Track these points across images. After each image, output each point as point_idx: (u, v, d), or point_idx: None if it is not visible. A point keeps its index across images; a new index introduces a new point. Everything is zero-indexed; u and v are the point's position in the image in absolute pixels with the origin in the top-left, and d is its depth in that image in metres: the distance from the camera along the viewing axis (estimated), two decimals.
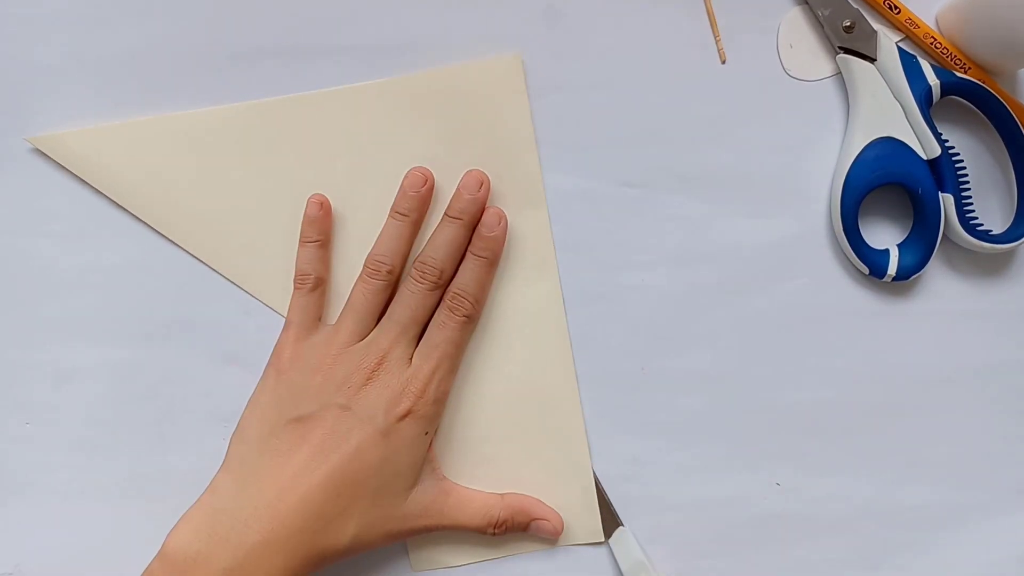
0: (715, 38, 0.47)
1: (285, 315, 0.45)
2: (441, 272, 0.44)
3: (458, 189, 0.45)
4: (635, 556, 0.46)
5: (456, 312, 0.44)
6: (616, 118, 0.47)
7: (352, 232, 0.46)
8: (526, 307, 0.46)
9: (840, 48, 0.46)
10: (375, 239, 0.45)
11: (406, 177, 0.45)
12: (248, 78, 0.46)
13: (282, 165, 0.46)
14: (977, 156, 0.48)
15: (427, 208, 0.45)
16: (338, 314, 0.45)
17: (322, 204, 0.45)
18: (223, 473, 0.42)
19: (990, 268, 0.48)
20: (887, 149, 0.46)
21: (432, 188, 0.45)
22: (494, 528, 0.44)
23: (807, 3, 0.47)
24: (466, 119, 0.46)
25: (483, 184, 0.45)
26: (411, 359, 0.44)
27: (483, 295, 0.45)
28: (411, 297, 0.44)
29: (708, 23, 0.47)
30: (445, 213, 0.45)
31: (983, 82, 0.46)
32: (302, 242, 0.45)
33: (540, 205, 0.46)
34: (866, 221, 0.47)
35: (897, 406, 0.47)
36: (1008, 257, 0.48)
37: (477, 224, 0.45)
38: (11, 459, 0.46)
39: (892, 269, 0.46)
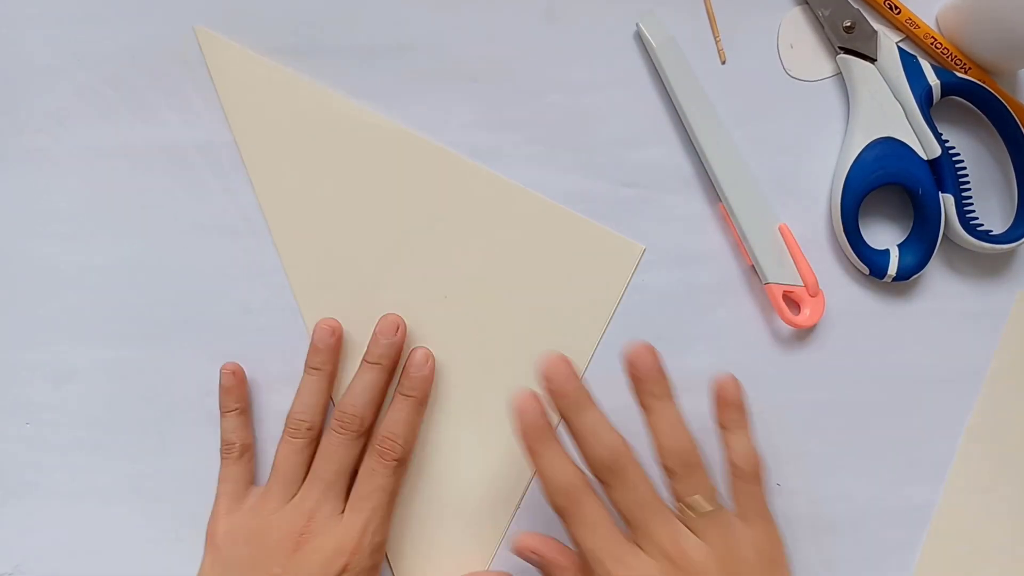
0: (715, 38, 0.47)
1: (303, 317, 0.45)
2: (362, 420, 0.43)
3: (375, 334, 0.44)
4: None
5: (385, 457, 0.42)
6: (616, 118, 0.47)
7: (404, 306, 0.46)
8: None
9: (840, 48, 0.46)
10: (417, 322, 0.45)
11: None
12: None
13: (393, 196, 0.46)
14: (977, 156, 0.48)
15: (339, 361, 0.45)
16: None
17: (235, 372, 0.45)
18: None
19: (990, 268, 0.48)
20: (887, 149, 0.46)
21: (341, 341, 0.44)
22: None
23: (807, 3, 0.47)
24: (565, 268, 0.46)
25: (399, 328, 0.44)
26: (343, 512, 0.42)
27: (413, 436, 0.44)
28: (333, 450, 0.42)
29: (708, 23, 0.47)
30: (363, 359, 0.44)
31: (983, 82, 0.46)
32: (222, 413, 0.45)
33: (583, 361, 0.46)
34: (866, 221, 0.47)
35: (897, 406, 0.47)
36: (1008, 257, 0.48)
37: (394, 367, 0.44)
38: (11, 459, 0.46)
39: (892, 269, 0.46)
